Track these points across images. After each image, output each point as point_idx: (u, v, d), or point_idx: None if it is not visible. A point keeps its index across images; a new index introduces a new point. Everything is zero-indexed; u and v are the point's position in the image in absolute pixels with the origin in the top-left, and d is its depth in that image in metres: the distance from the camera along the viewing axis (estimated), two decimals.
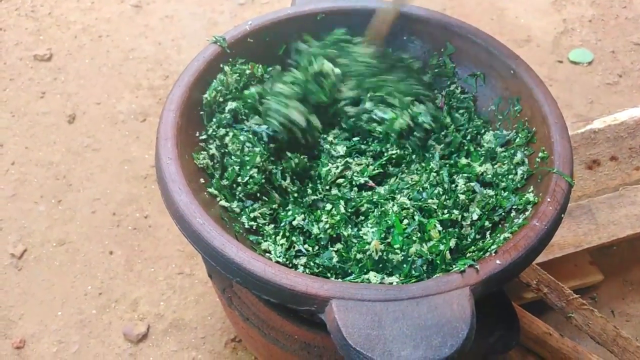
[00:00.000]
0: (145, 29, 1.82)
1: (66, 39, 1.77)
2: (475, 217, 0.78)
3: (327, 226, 0.79)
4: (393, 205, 0.80)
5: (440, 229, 0.76)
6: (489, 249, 0.71)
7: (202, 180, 0.81)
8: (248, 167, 0.83)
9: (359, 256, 0.74)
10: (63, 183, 1.44)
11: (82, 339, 1.19)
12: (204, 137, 0.86)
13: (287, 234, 0.79)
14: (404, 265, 0.72)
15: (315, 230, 0.79)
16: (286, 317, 0.84)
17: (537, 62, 1.73)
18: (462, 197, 0.80)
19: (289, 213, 0.82)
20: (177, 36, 1.80)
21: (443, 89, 0.98)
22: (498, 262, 0.67)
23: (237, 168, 0.84)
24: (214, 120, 0.88)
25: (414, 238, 0.75)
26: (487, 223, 0.78)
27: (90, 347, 1.18)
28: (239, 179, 0.83)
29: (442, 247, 0.73)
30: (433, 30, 0.96)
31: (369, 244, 0.75)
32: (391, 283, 0.70)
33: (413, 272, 0.72)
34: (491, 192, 0.82)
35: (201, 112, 0.87)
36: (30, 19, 1.82)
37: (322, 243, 0.79)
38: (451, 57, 0.97)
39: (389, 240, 0.75)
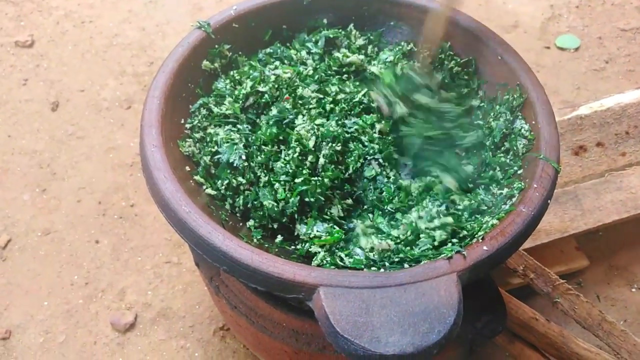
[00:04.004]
0: (129, 15, 1.79)
1: (48, 25, 1.74)
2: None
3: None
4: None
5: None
6: (476, 235, 0.71)
7: (187, 168, 0.80)
8: (230, 153, 0.82)
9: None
10: (47, 172, 1.42)
11: (68, 329, 1.18)
12: (189, 124, 0.85)
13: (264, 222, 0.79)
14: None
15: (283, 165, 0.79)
16: (274, 305, 0.84)
17: (525, 48, 1.73)
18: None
19: (240, 200, 0.80)
20: (161, 21, 1.78)
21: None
22: (485, 248, 0.67)
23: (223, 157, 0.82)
24: (200, 102, 0.87)
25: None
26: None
27: (77, 337, 1.17)
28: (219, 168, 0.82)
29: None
30: (420, 15, 0.95)
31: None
32: (378, 269, 0.70)
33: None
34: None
35: (190, 97, 0.85)
36: (10, 3, 1.79)
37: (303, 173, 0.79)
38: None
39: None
